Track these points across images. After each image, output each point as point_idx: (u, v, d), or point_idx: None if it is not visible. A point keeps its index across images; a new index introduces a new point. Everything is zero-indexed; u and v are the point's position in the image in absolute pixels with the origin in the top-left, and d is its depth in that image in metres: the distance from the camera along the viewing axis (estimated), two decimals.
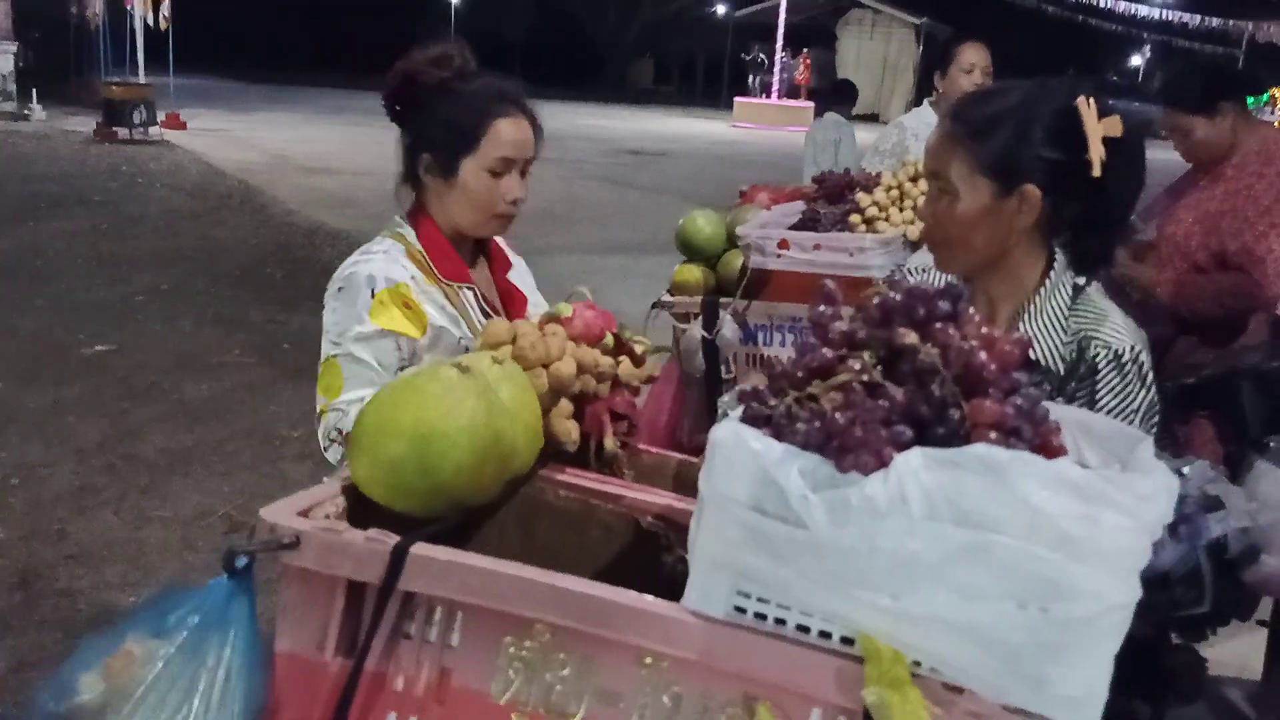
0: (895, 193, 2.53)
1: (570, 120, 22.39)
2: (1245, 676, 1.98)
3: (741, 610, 0.85)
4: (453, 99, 1.70)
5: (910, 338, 0.82)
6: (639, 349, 1.53)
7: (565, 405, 1.33)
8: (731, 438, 0.83)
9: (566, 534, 1.21)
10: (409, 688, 0.91)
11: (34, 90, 18.11)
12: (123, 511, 3.78)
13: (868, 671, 0.80)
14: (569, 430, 1.32)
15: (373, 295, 1.65)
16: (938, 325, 0.82)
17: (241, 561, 0.87)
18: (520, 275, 1.94)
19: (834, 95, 7.46)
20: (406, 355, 1.66)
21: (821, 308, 0.87)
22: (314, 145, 15.32)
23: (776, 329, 2.72)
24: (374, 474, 0.98)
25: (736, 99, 29.97)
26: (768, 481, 0.81)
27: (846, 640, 0.83)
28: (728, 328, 2.73)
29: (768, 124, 26.94)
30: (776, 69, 29.44)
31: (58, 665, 0.90)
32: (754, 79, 33.88)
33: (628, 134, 21.27)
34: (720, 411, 2.08)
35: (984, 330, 0.83)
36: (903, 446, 0.79)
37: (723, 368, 2.78)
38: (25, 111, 17.88)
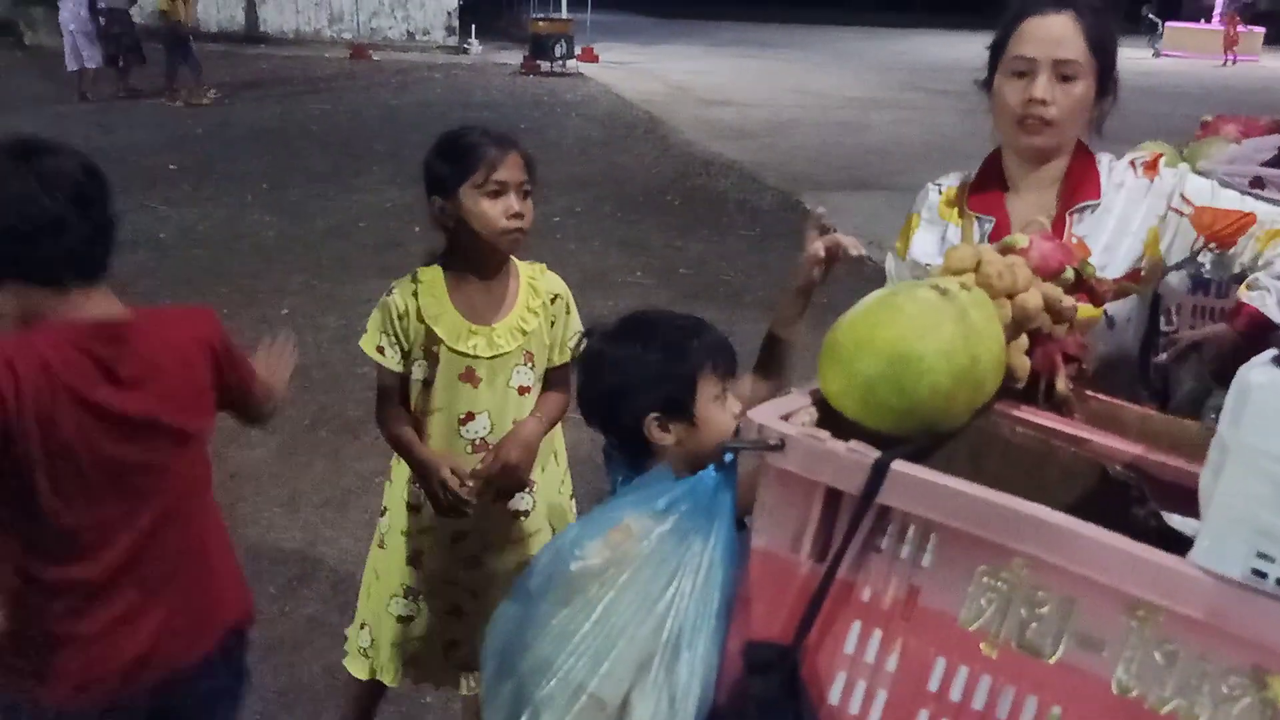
0: None
1: (966, 50, 21.19)
2: None
3: (1261, 575, 0.77)
4: None
5: None
6: (1101, 287, 1.42)
7: (1023, 339, 1.27)
8: (1270, 383, 0.75)
9: (1019, 472, 1.16)
10: (876, 600, 0.93)
11: (473, 26, 20.13)
12: None
13: None
14: (1025, 365, 1.26)
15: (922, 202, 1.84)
16: None
17: (729, 456, 0.92)
18: (1122, 210, 1.71)
19: None
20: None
21: None
22: (711, 77, 15.75)
23: (1236, 279, 2.42)
24: (849, 388, 0.99)
25: (1166, 24, 26.71)
26: None
27: None
28: (1174, 276, 2.47)
29: (1206, 52, 23.78)
30: None
31: None
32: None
33: None
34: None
35: None
36: None
37: (1162, 319, 2.53)
38: (465, 46, 19.97)
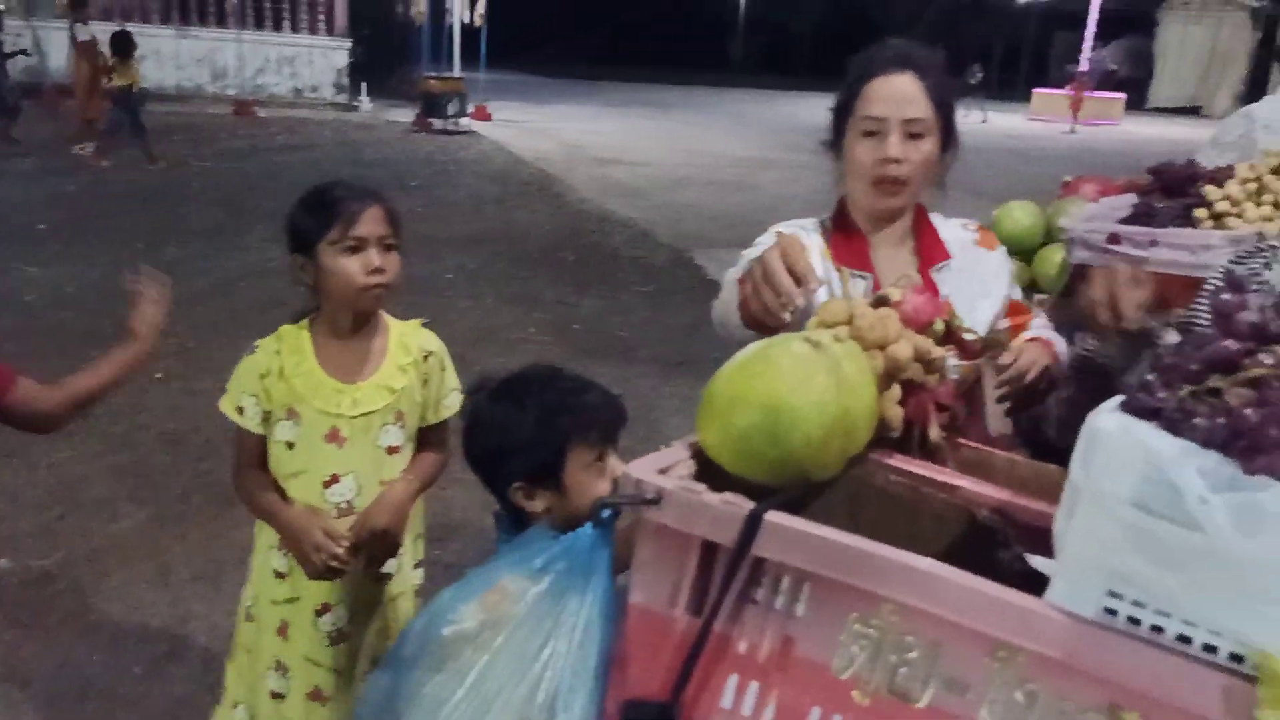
0: (1253, 186, 2.29)
1: None
2: None
3: (1113, 612, 0.80)
4: None
5: None
6: (969, 338, 1.48)
7: (896, 390, 1.30)
8: (1117, 429, 0.79)
9: (895, 520, 1.19)
10: (752, 652, 0.93)
11: (363, 83, 20.02)
12: None
13: (1262, 693, 0.74)
14: (898, 415, 1.30)
15: (777, 235, 1.78)
16: None
17: (606, 513, 0.92)
18: (969, 270, 1.83)
19: None
20: None
21: (1227, 296, 0.80)
22: (604, 137, 15.98)
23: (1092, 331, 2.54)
24: (726, 440, 1.00)
25: (1035, 90, 28.26)
26: (1159, 479, 0.75)
27: (1235, 656, 0.76)
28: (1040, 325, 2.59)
29: (1071, 116, 25.20)
30: (1085, 54, 27.43)
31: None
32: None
33: None
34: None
35: None
36: None
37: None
38: (355, 103, 19.82)
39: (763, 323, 1.42)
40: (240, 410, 1.90)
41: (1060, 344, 1.82)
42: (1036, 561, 1.05)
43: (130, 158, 11.40)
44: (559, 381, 1.56)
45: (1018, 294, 1.85)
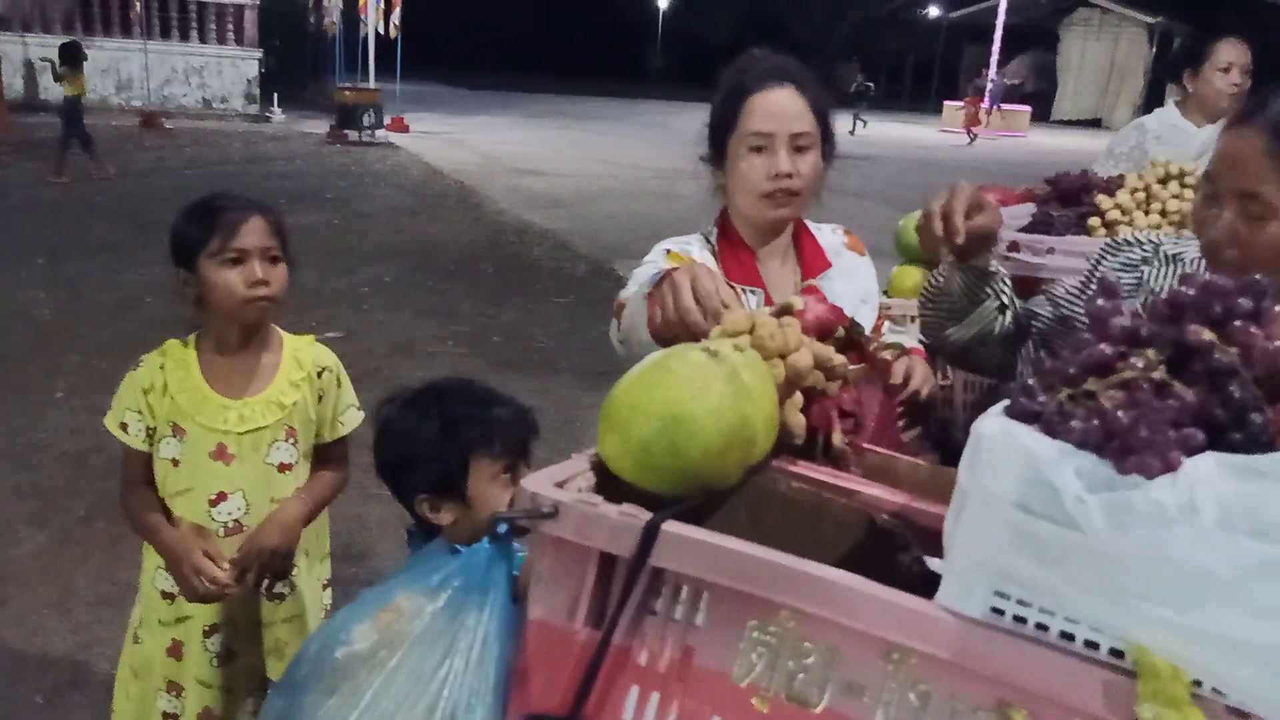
0: (1141, 195, 2.38)
1: None
2: None
3: (999, 612, 0.82)
4: None
5: (1205, 335, 0.76)
6: (869, 346, 1.51)
7: (798, 397, 1.32)
8: (1000, 432, 0.80)
9: (797, 526, 1.20)
10: (652, 663, 0.93)
11: (275, 94, 19.64)
12: (348, 489, 4.04)
13: (1141, 688, 0.76)
14: (800, 422, 1.31)
15: (666, 252, 1.77)
16: (1237, 324, 0.76)
17: (503, 528, 0.91)
18: (846, 277, 1.87)
19: None
20: None
21: (1101, 302, 0.82)
22: (523, 148, 15.94)
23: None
24: (625, 451, 1.00)
25: (946, 102, 29.00)
26: (1039, 480, 0.77)
27: (1116, 652, 0.78)
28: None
29: (982, 130, 25.90)
30: (992, 70, 28.27)
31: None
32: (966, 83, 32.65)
33: None
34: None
35: None
36: (1193, 451, 0.74)
37: (939, 374, 2.70)
38: (267, 114, 19.45)
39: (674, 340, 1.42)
40: (124, 427, 1.84)
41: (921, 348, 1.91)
42: (935, 564, 1.07)
43: (38, 171, 11.03)
44: (468, 393, 1.54)
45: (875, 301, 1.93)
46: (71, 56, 11.51)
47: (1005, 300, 1.66)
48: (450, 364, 5.69)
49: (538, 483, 0.93)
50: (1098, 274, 1.66)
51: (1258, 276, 0.78)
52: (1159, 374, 0.78)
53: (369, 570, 3.46)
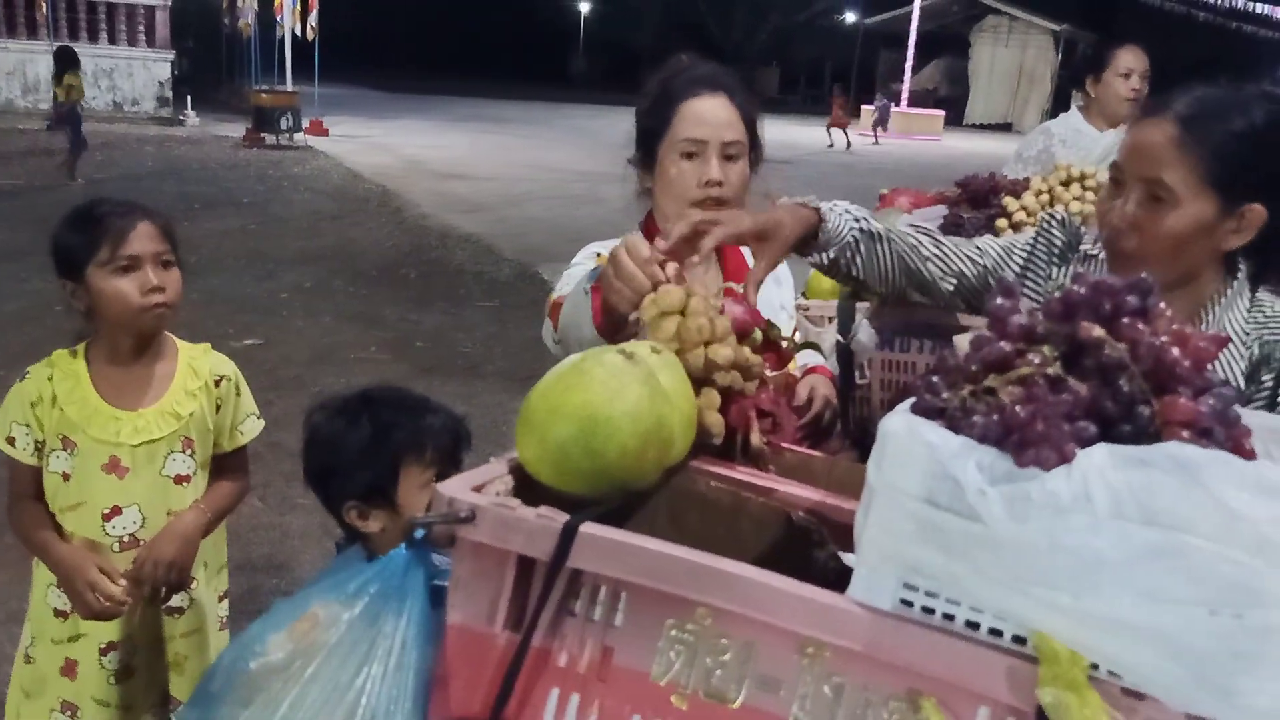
0: (1045, 197, 2.46)
1: None
2: None
3: (908, 604, 0.84)
4: None
5: (1096, 332, 0.79)
6: (785, 346, 1.53)
7: (714, 397, 1.34)
8: (905, 429, 0.83)
9: (716, 525, 1.22)
10: (572, 665, 0.93)
11: (188, 97, 19.15)
12: (268, 498, 3.97)
13: (1042, 672, 0.79)
14: (718, 422, 1.33)
15: (596, 255, 1.72)
16: (1125, 320, 0.80)
17: (419, 534, 0.91)
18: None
19: None
20: None
21: (1000, 300, 0.86)
22: (445, 151, 15.79)
23: (914, 335, 2.67)
24: (543, 454, 1.00)
25: (863, 107, 29.54)
26: (942, 474, 0.80)
27: (1018, 639, 0.81)
28: (864, 333, 2.69)
29: (897, 132, 26.42)
30: (907, 76, 28.87)
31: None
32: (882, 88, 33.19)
33: None
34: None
35: (1176, 326, 0.80)
36: (1086, 443, 0.77)
37: (856, 373, 2.75)
38: (180, 117, 18.95)
39: (623, 322, 1.43)
40: (11, 441, 1.78)
41: (826, 365, 1.98)
42: (849, 559, 1.09)
43: None
44: (397, 399, 1.53)
45: (790, 301, 1.96)
46: (72, 62, 12.09)
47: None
48: (374, 370, 5.62)
49: (455, 487, 0.93)
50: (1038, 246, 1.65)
51: (1145, 275, 0.81)
52: (1054, 369, 0.81)
53: (292, 581, 3.40)
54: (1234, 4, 27.05)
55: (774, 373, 1.64)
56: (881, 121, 26.20)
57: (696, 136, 1.67)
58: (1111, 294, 0.81)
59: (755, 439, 1.43)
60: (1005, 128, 32.87)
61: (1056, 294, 0.86)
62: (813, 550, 1.17)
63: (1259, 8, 27.42)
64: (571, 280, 1.67)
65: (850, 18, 38.35)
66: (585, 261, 1.73)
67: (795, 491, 1.23)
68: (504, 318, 7.03)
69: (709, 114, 1.67)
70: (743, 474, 1.28)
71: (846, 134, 23.61)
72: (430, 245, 9.46)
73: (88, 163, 12.75)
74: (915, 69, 30.74)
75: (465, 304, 7.39)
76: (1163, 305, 0.82)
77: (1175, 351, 0.78)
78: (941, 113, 29.85)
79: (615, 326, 1.45)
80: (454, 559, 0.93)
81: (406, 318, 6.88)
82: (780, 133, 25.77)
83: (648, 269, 1.36)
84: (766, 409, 1.48)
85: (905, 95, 29.87)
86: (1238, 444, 0.81)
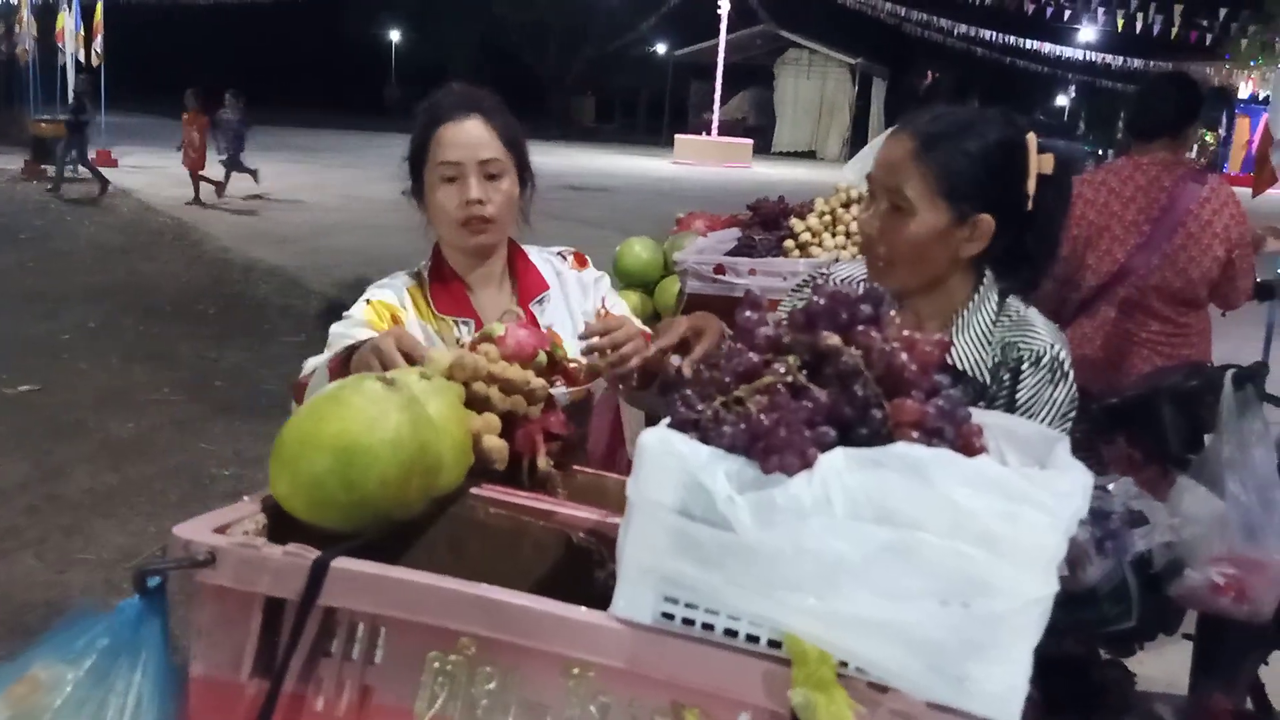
0: (828, 218, 2.57)
1: None
2: (1173, 691, 2.01)
3: (669, 616, 0.84)
4: None
5: (833, 340, 0.82)
6: (574, 368, 1.52)
7: (493, 423, 1.31)
8: (658, 442, 0.83)
9: (498, 552, 1.19)
10: (329, 708, 0.88)
11: None
12: (45, 554, 3.65)
13: (794, 673, 0.80)
14: (499, 447, 1.30)
15: (367, 303, 1.71)
16: (860, 328, 0.83)
17: (153, 581, 0.84)
18: (569, 297, 1.84)
19: None
20: None
21: (747, 313, 0.87)
22: (249, 182, 15.10)
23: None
24: (295, 489, 0.95)
25: (677, 136, 30.27)
26: (694, 485, 0.81)
27: (774, 643, 0.82)
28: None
29: (709, 160, 27.19)
30: (716, 107, 29.81)
31: None
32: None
33: (569, 170, 21.29)
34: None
35: (905, 332, 0.84)
36: (826, 447, 0.80)
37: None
38: None
39: None
40: None
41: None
42: None
43: None
44: None
45: (620, 308, 1.89)
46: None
47: None
48: (167, 412, 5.28)
49: (193, 530, 0.87)
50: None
51: (876, 285, 0.85)
52: (797, 378, 0.83)
53: None
54: (1007, 41, 29.29)
55: (568, 389, 1.64)
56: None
57: (452, 159, 1.67)
58: (847, 304, 0.84)
59: (542, 463, 1.42)
60: (809, 155, 34.40)
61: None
62: (594, 570, 1.17)
63: (1027, 44, 29.79)
64: (331, 344, 1.64)
65: (661, 49, 39.30)
66: (356, 314, 1.70)
67: (576, 513, 1.22)
68: (312, 351, 6.74)
69: (463, 135, 1.68)
70: (524, 498, 1.25)
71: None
72: (232, 279, 9.03)
73: None
74: (724, 99, 31.73)
75: (270, 339, 7.07)
76: (893, 313, 0.86)
77: (904, 356, 0.81)
78: (750, 141, 30.88)
79: None
80: (195, 606, 0.87)
81: (204, 355, 6.52)
82: (599, 161, 26.10)
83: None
84: (556, 431, 1.47)
85: (715, 124, 30.79)
86: (967, 442, 0.85)
